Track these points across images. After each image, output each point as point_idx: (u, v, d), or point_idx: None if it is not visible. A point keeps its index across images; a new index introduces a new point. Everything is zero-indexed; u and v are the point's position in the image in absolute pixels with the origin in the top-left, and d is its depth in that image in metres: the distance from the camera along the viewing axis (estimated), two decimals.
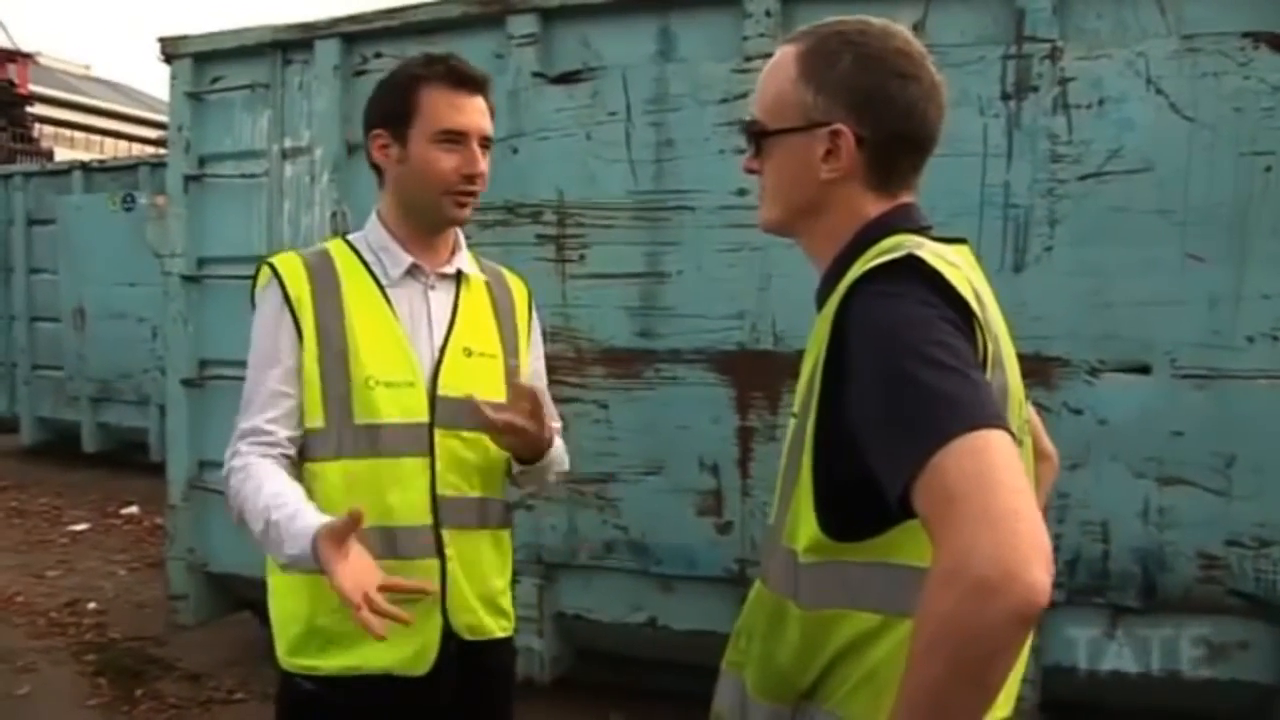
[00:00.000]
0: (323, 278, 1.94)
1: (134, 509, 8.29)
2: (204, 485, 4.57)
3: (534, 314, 2.19)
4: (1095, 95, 3.15)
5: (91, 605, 5.90)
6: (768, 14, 3.49)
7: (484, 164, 1.95)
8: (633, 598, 3.83)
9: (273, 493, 1.80)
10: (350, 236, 2.05)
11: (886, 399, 1.11)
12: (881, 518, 1.18)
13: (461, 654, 1.95)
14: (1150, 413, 3.14)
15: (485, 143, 1.96)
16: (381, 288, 1.96)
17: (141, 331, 9.10)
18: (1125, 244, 3.11)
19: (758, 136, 1.41)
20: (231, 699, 4.52)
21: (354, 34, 4.18)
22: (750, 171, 1.45)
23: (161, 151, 13.05)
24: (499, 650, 2.05)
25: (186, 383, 4.59)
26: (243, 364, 4.44)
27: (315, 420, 1.89)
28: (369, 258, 1.99)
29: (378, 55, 4.16)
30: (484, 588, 2.00)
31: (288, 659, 1.94)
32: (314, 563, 1.67)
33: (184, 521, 4.64)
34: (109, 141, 35.05)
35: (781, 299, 3.52)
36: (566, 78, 3.79)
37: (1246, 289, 3.06)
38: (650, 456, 3.74)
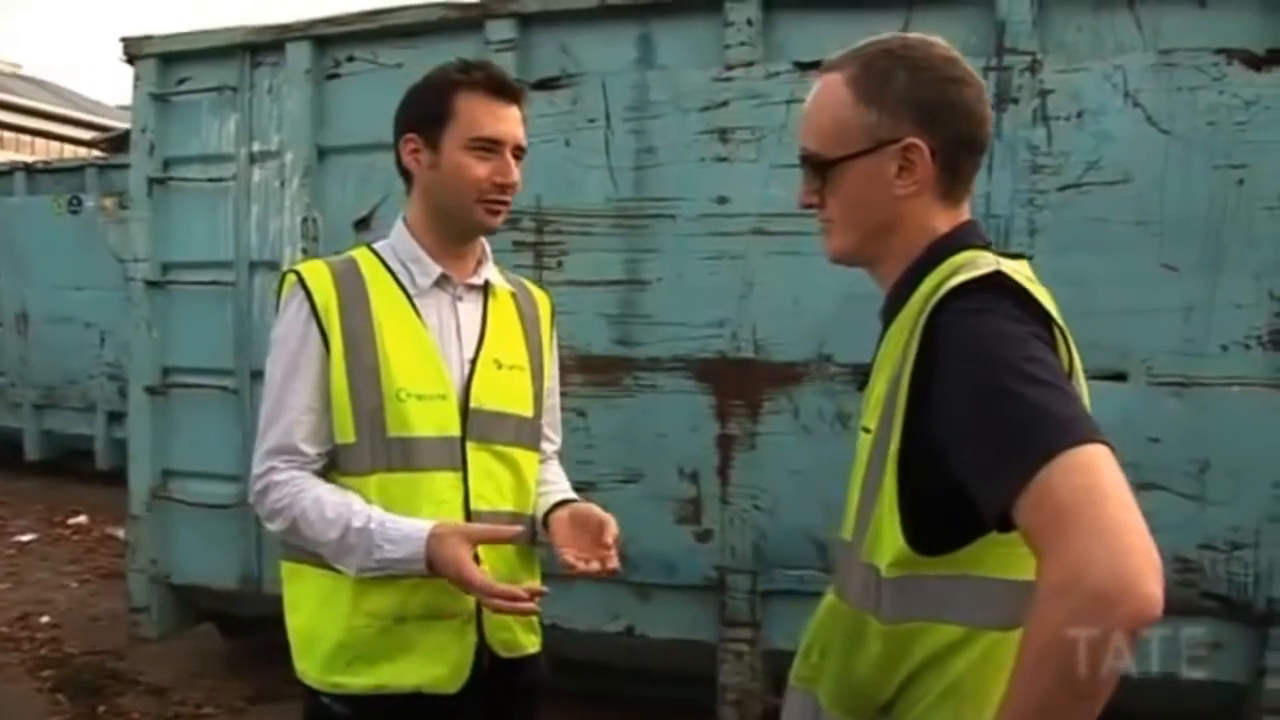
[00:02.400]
0: (350, 286, 1.90)
1: (82, 519, 8.12)
2: (167, 495, 4.49)
3: (555, 327, 2.18)
4: (1074, 107, 3.20)
5: (44, 619, 5.75)
6: (749, 23, 3.50)
7: (517, 173, 1.93)
8: (610, 606, 3.81)
9: (341, 502, 1.82)
10: (376, 245, 2.01)
11: (985, 415, 1.12)
12: (965, 531, 1.19)
13: (493, 671, 1.92)
14: (1127, 419, 3.19)
15: (519, 152, 1.94)
16: (410, 298, 1.93)
17: (88, 337, 8.94)
18: (1103, 254, 3.16)
19: (821, 168, 1.39)
20: (200, 713, 4.44)
21: (327, 37, 4.13)
22: (809, 206, 1.43)
23: (96, 154, 12.81)
24: (530, 667, 2.03)
25: (150, 390, 4.49)
26: (206, 371, 4.44)
27: (346, 435, 1.86)
28: (395, 267, 1.95)
29: (350, 59, 4.12)
30: None
31: (317, 676, 1.89)
32: (419, 564, 1.75)
33: (146, 532, 4.54)
34: (40, 142, 34.22)
35: (762, 307, 3.54)
36: (545, 84, 3.77)
37: (1220, 298, 3.12)
38: (629, 464, 3.73)
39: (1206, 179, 3.11)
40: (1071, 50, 3.24)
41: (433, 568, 1.76)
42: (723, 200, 3.56)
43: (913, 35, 1.39)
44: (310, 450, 1.87)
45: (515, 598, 1.74)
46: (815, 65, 3.39)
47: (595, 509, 1.97)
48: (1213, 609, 3.19)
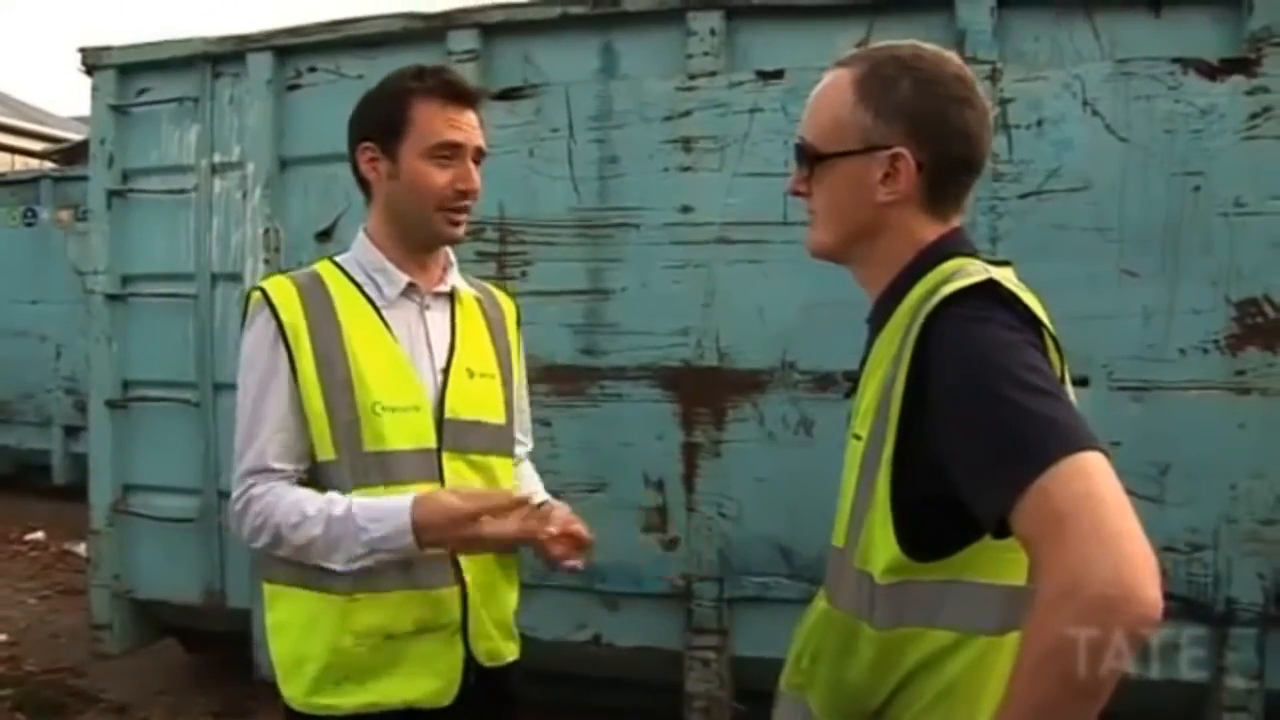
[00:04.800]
0: (315, 301, 1.88)
1: (39, 534, 7.97)
2: (128, 509, 4.43)
3: (521, 330, 2.17)
4: (1034, 116, 3.24)
5: (2, 637, 5.64)
6: (712, 32, 3.51)
7: (477, 179, 1.92)
8: (577, 615, 3.81)
9: (320, 498, 1.79)
10: (338, 258, 2.00)
11: (983, 422, 1.13)
12: (958, 536, 1.19)
13: (478, 682, 1.91)
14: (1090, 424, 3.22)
15: (478, 157, 1.93)
16: (377, 309, 1.91)
17: (44, 350, 8.79)
18: (1064, 260, 3.19)
19: (811, 160, 1.40)
20: None
21: (288, 47, 4.10)
22: (797, 194, 1.45)
23: (49, 165, 12.61)
24: (511, 675, 2.02)
25: (110, 404, 4.44)
26: (168, 384, 4.38)
27: (325, 452, 1.83)
28: (361, 279, 1.93)
29: (312, 70, 4.09)
30: (499, 612, 1.97)
31: (304, 699, 1.85)
32: (407, 536, 1.72)
33: (107, 547, 4.47)
34: None
35: (726, 315, 3.55)
36: (508, 94, 3.76)
37: (1178, 304, 3.17)
38: (594, 474, 3.72)
39: (1164, 186, 3.16)
40: (1031, 59, 3.28)
41: (423, 533, 1.73)
42: (686, 209, 3.57)
43: (929, 47, 1.39)
44: (285, 467, 1.85)
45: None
46: (778, 75, 3.45)
47: (564, 509, 2.01)
48: (1172, 609, 3.20)
